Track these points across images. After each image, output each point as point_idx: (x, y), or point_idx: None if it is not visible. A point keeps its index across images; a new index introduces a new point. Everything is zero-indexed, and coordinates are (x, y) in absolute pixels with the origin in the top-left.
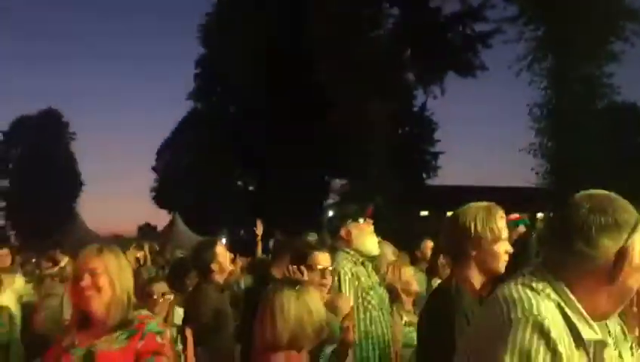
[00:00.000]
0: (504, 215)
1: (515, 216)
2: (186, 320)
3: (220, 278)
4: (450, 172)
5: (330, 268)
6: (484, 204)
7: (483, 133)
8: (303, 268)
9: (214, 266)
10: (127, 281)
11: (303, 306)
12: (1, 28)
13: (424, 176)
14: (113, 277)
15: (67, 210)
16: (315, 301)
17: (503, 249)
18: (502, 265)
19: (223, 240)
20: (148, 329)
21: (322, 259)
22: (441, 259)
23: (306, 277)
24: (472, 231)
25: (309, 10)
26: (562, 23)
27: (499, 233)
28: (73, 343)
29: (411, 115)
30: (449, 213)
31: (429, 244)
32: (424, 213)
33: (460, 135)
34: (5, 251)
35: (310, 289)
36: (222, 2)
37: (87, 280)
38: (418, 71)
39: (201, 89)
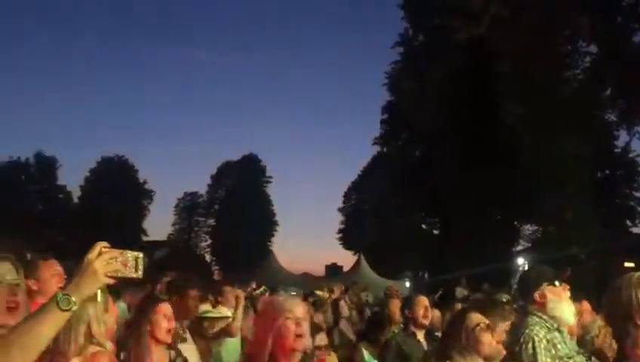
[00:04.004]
0: None
1: None
2: None
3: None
4: None
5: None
6: None
7: None
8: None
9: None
10: None
11: None
12: (204, 80)
13: (628, 223)
14: (308, 326)
15: (263, 247)
16: None
17: None
18: None
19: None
20: None
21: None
22: None
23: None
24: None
25: (498, 49)
26: None
27: None
28: None
29: (613, 157)
30: None
31: None
32: (629, 264)
33: None
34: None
35: None
36: (409, 51)
37: (292, 327)
38: (620, 110)
39: (387, 134)
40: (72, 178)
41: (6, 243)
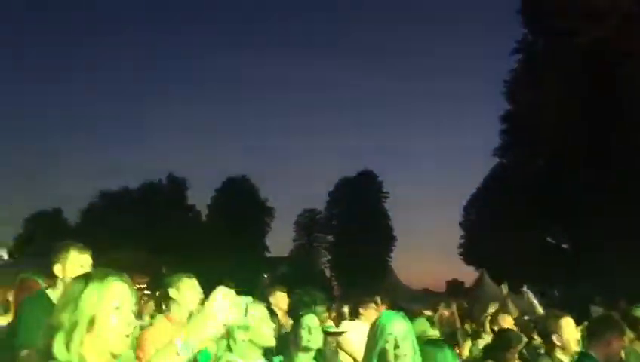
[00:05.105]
0: None
1: None
2: None
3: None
4: None
5: None
6: None
7: None
8: None
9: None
10: None
11: None
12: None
13: None
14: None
15: (382, 263)
16: None
17: None
18: None
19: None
20: None
21: None
22: None
23: None
24: None
25: (628, 50)
26: None
27: None
28: None
29: None
30: None
31: None
32: None
33: None
34: None
35: None
36: (528, 58)
37: (391, 348)
38: None
39: (506, 145)
40: (200, 198)
41: (145, 260)
